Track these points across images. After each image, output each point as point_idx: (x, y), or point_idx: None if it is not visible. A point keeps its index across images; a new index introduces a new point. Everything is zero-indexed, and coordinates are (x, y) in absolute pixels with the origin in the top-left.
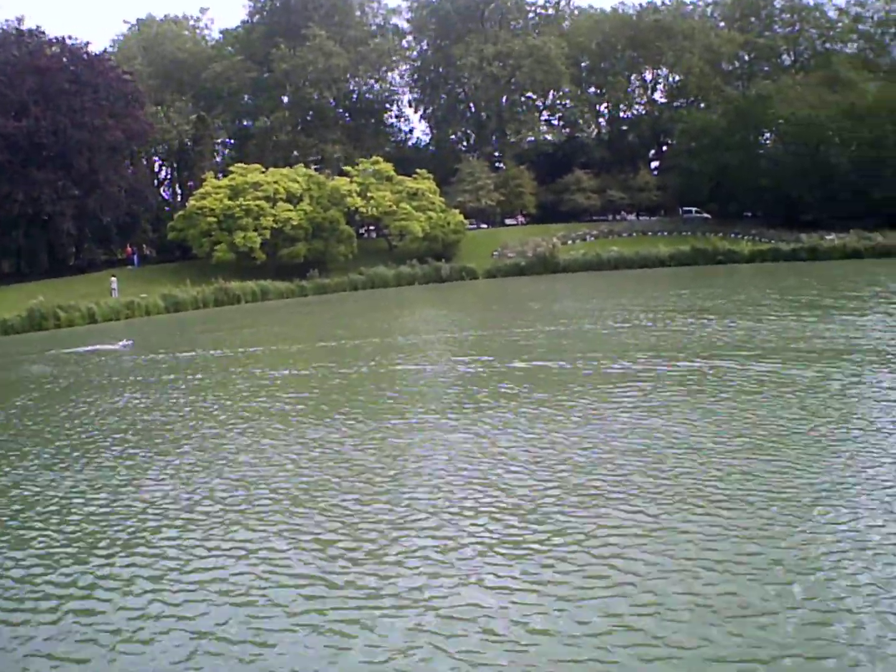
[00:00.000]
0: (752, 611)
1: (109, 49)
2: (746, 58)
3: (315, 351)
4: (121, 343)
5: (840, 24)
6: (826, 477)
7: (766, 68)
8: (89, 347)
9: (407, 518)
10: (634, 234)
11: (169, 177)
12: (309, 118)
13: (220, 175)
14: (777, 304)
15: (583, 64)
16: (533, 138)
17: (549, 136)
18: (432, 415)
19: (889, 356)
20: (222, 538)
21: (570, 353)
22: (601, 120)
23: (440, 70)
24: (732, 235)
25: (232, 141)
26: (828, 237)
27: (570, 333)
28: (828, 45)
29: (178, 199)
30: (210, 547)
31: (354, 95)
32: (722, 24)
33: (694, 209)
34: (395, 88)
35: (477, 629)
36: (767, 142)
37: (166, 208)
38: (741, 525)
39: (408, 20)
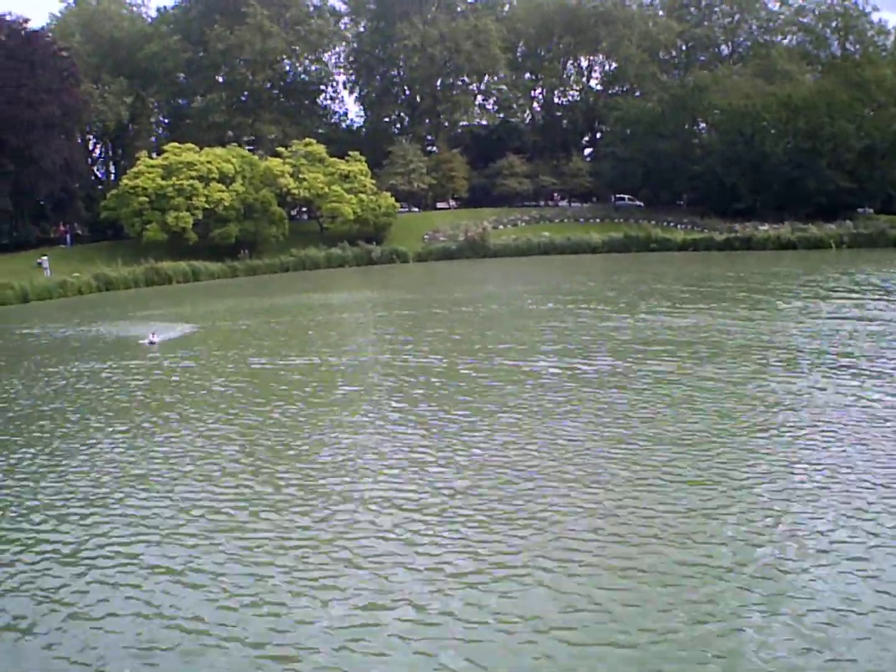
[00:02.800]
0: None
1: (47, 26)
2: (684, 47)
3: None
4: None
5: (781, 17)
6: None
7: (703, 58)
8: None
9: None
10: (566, 220)
11: (103, 156)
12: (244, 98)
13: (154, 154)
14: (692, 296)
15: (519, 49)
16: (467, 122)
17: (483, 121)
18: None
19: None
20: None
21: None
22: (536, 105)
23: (377, 52)
24: (665, 223)
25: (167, 121)
26: (762, 227)
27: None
28: (767, 36)
29: (112, 178)
30: None
31: (290, 76)
32: (661, 12)
33: (626, 196)
34: (331, 70)
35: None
36: (702, 131)
37: (100, 187)
38: None
39: (345, 1)
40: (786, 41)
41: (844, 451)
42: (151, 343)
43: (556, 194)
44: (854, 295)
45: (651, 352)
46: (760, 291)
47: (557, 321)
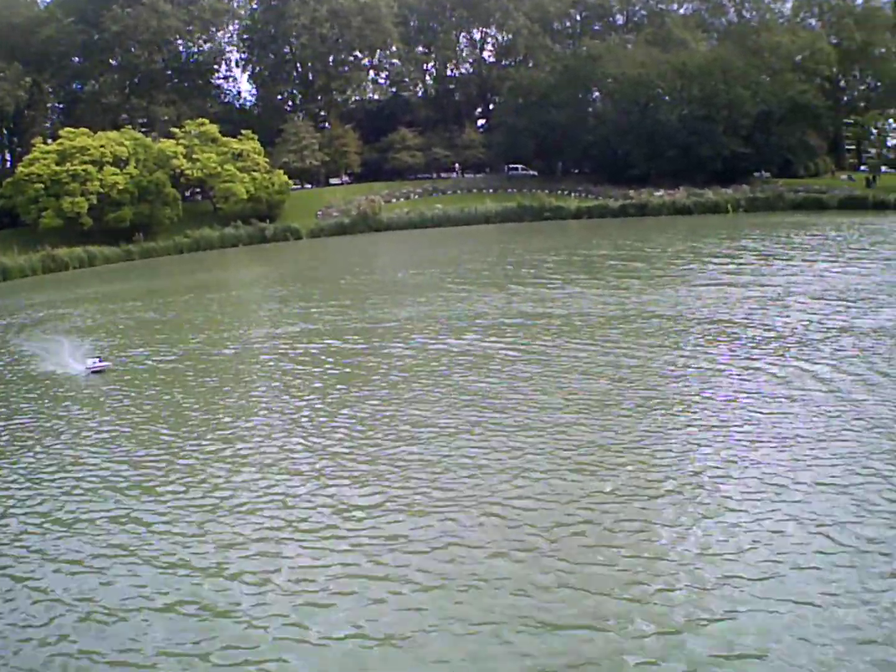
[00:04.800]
0: None
1: None
2: (578, 17)
3: None
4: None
5: None
6: None
7: (597, 27)
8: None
9: None
10: (459, 192)
11: None
12: (137, 80)
13: (49, 140)
14: (568, 268)
15: (412, 23)
16: (359, 97)
17: (375, 95)
18: None
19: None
20: None
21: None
22: (428, 78)
23: (270, 29)
24: (559, 192)
25: (62, 105)
26: (657, 193)
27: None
28: (662, 5)
29: (9, 166)
30: None
31: (184, 56)
32: None
33: (520, 166)
34: (224, 48)
35: None
36: (596, 100)
37: None
38: None
39: None
40: (681, 9)
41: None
42: (92, 370)
43: (457, 165)
44: (737, 260)
45: (520, 328)
46: (640, 259)
47: (428, 298)
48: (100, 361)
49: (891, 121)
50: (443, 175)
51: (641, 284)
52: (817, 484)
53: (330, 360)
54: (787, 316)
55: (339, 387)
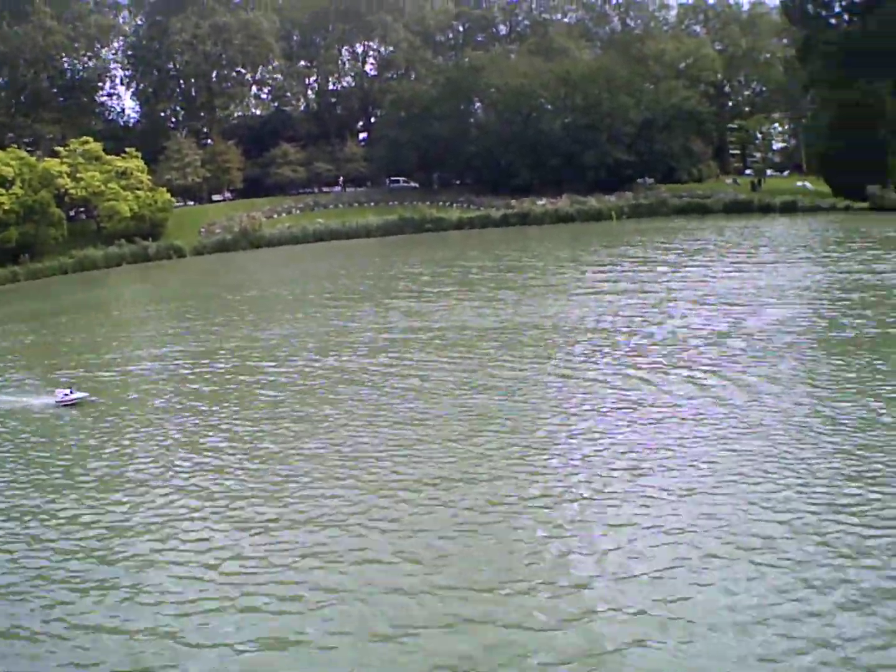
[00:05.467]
0: None
1: None
2: (461, 29)
3: None
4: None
5: None
6: None
7: (480, 38)
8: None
9: None
10: (341, 206)
11: None
12: (24, 99)
13: None
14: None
15: (294, 37)
16: (241, 113)
17: (257, 111)
18: None
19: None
20: None
21: None
22: (310, 93)
23: (154, 45)
24: (441, 204)
25: None
26: (539, 202)
27: None
28: (546, 14)
29: None
30: None
31: (69, 74)
32: None
33: (402, 179)
34: (109, 65)
35: None
36: (478, 111)
37: None
38: None
39: None
40: (565, 19)
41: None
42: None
43: (340, 178)
44: (618, 268)
45: (395, 343)
46: (519, 269)
47: (305, 315)
48: (71, 392)
49: (776, 125)
50: (325, 189)
51: (518, 295)
52: (691, 491)
53: (205, 380)
54: (668, 322)
55: (213, 408)
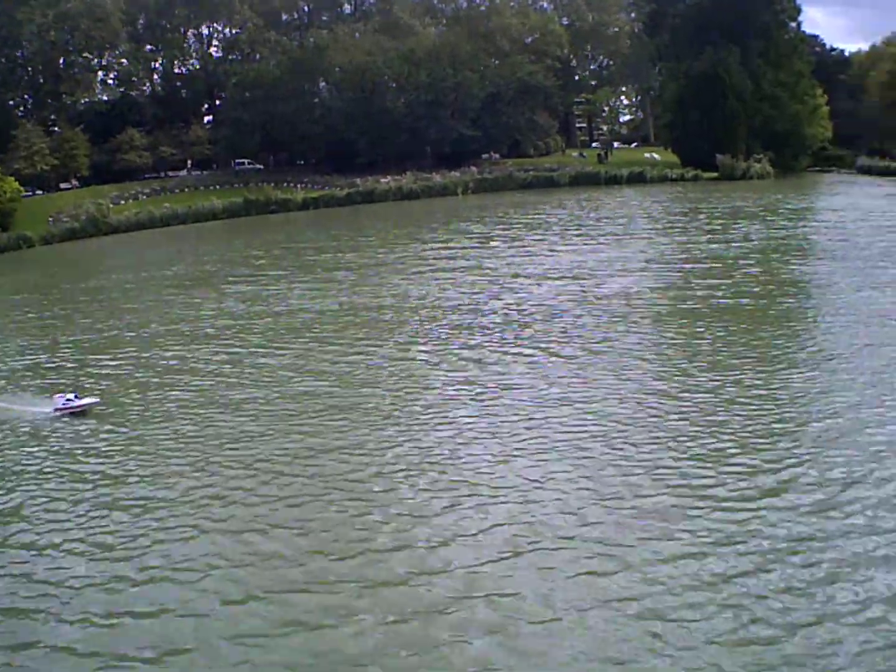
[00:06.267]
0: None
1: None
2: (306, 8)
3: None
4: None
5: None
6: None
7: (325, 18)
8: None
9: None
10: (188, 190)
11: None
12: None
13: None
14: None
15: (141, 21)
16: (88, 99)
17: (104, 96)
18: None
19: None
20: None
21: None
22: (156, 77)
23: (2, 35)
24: (286, 184)
25: None
26: (383, 180)
27: None
28: None
29: None
30: None
31: None
32: None
33: (247, 161)
34: None
35: None
36: (322, 91)
37: None
38: None
39: None
40: None
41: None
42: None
43: (189, 162)
44: (460, 243)
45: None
46: (359, 249)
47: (145, 305)
48: (76, 399)
49: (623, 97)
50: (172, 174)
51: (357, 276)
52: (530, 469)
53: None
54: (506, 297)
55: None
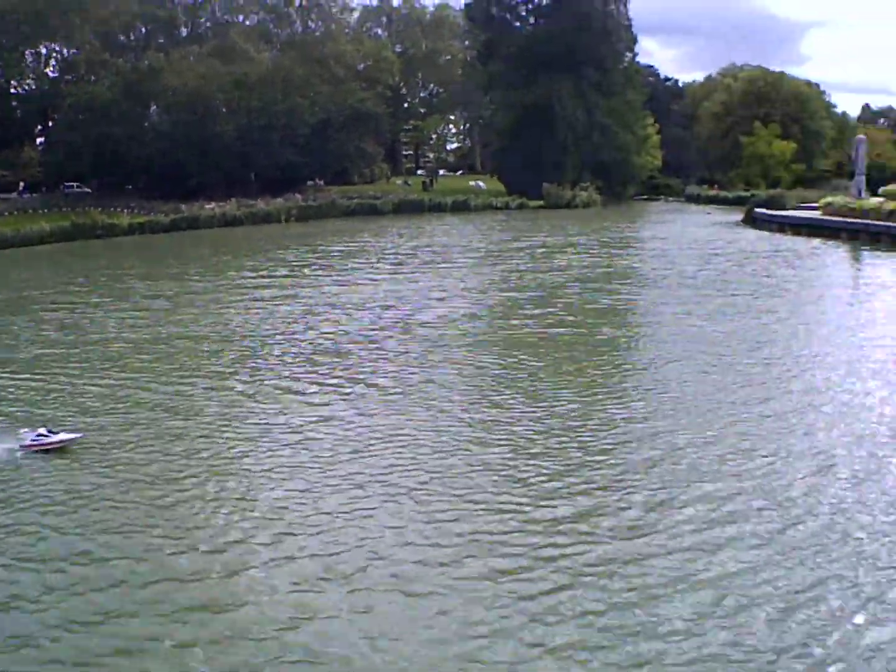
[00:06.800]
0: None
1: None
2: (143, 30)
3: None
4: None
5: None
6: None
7: (162, 41)
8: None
9: None
10: (16, 213)
11: None
12: None
13: None
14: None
15: None
16: None
17: None
18: None
19: None
20: None
21: None
22: None
23: None
24: (114, 209)
25: None
26: (208, 206)
27: None
28: (229, 16)
29: None
30: None
31: None
32: None
33: (75, 184)
34: None
35: None
36: (154, 114)
37: None
38: None
39: None
40: (248, 21)
41: None
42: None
43: (21, 184)
44: (275, 272)
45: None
46: (175, 278)
47: None
48: (49, 434)
49: (451, 125)
50: (2, 196)
51: (175, 304)
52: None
53: None
54: (329, 327)
55: None
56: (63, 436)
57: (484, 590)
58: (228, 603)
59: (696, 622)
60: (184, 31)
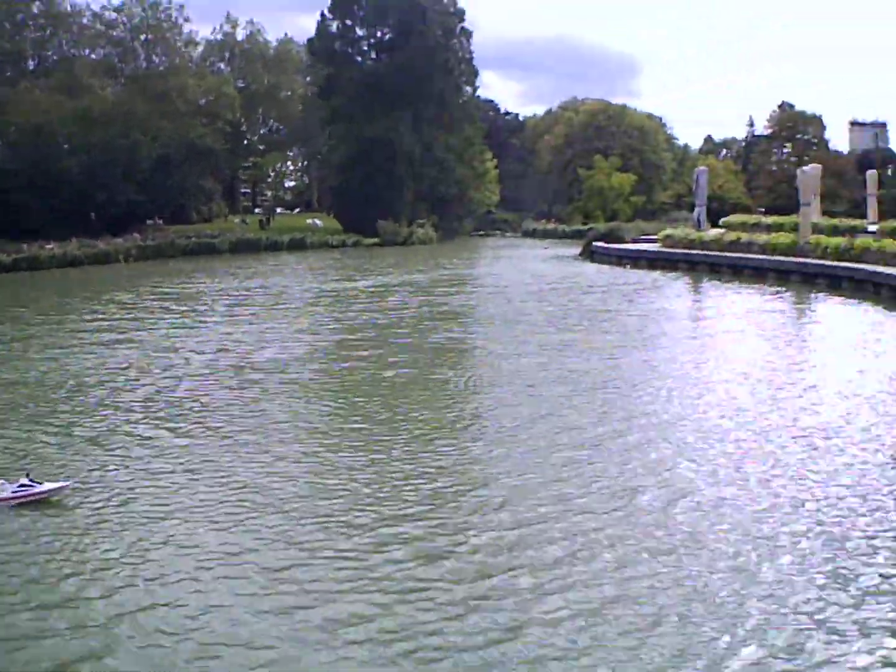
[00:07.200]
0: None
1: None
2: None
3: None
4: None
5: (91, 30)
6: None
7: (10, 73)
8: None
9: None
10: None
11: None
12: None
13: None
14: None
15: None
16: None
17: None
18: None
19: None
20: None
21: None
22: None
23: None
24: None
25: None
26: (48, 246)
27: None
28: (75, 50)
29: None
30: None
31: None
32: None
33: None
34: None
35: None
36: None
37: None
38: None
39: None
40: (94, 55)
41: None
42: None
43: None
44: (110, 316)
45: None
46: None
47: None
48: (29, 484)
49: (289, 163)
50: None
51: (6, 351)
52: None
53: None
54: (162, 372)
55: None
56: (41, 489)
57: (322, 639)
58: None
59: None
60: (32, 65)
